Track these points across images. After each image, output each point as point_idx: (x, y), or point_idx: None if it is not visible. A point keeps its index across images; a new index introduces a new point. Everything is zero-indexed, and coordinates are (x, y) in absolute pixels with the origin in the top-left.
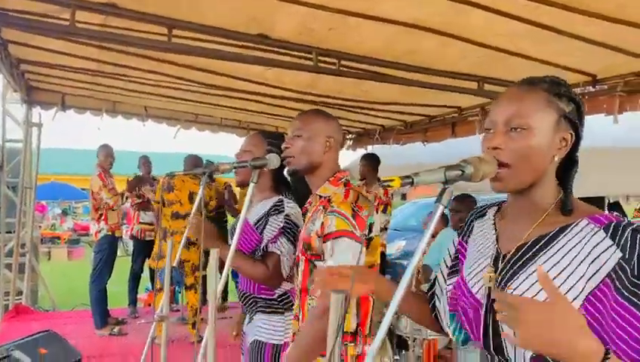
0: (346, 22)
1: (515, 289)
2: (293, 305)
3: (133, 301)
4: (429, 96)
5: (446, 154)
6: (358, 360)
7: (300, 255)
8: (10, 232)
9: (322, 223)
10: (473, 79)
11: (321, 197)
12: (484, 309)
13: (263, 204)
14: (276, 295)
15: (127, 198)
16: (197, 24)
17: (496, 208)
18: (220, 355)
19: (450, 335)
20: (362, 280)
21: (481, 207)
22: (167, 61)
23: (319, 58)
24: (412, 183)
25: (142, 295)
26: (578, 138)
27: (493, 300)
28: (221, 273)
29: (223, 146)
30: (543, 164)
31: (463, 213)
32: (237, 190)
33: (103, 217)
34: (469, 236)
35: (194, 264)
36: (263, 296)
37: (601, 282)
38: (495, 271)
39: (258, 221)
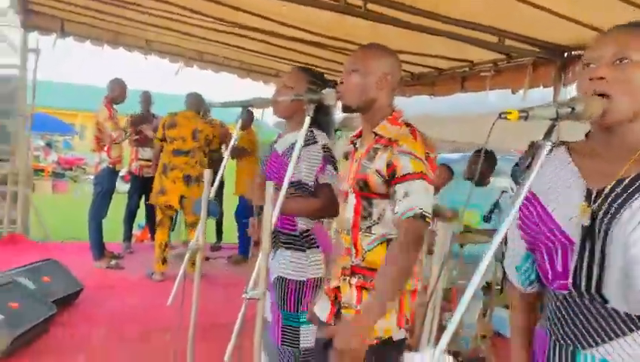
0: None
1: (621, 226)
2: (315, 242)
3: (128, 237)
4: (439, 46)
5: (452, 107)
6: (412, 294)
7: (350, 191)
8: (2, 160)
9: (391, 163)
10: (494, 32)
11: (376, 135)
12: (578, 246)
13: (293, 135)
14: (298, 231)
15: (128, 134)
16: None
17: (564, 146)
18: (219, 293)
19: (516, 281)
20: None
21: None
22: None
23: None
24: (527, 117)
25: (135, 231)
26: None
27: (587, 237)
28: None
29: (222, 90)
30: None
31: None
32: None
33: (105, 148)
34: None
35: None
36: (285, 231)
37: None
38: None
39: (286, 151)
